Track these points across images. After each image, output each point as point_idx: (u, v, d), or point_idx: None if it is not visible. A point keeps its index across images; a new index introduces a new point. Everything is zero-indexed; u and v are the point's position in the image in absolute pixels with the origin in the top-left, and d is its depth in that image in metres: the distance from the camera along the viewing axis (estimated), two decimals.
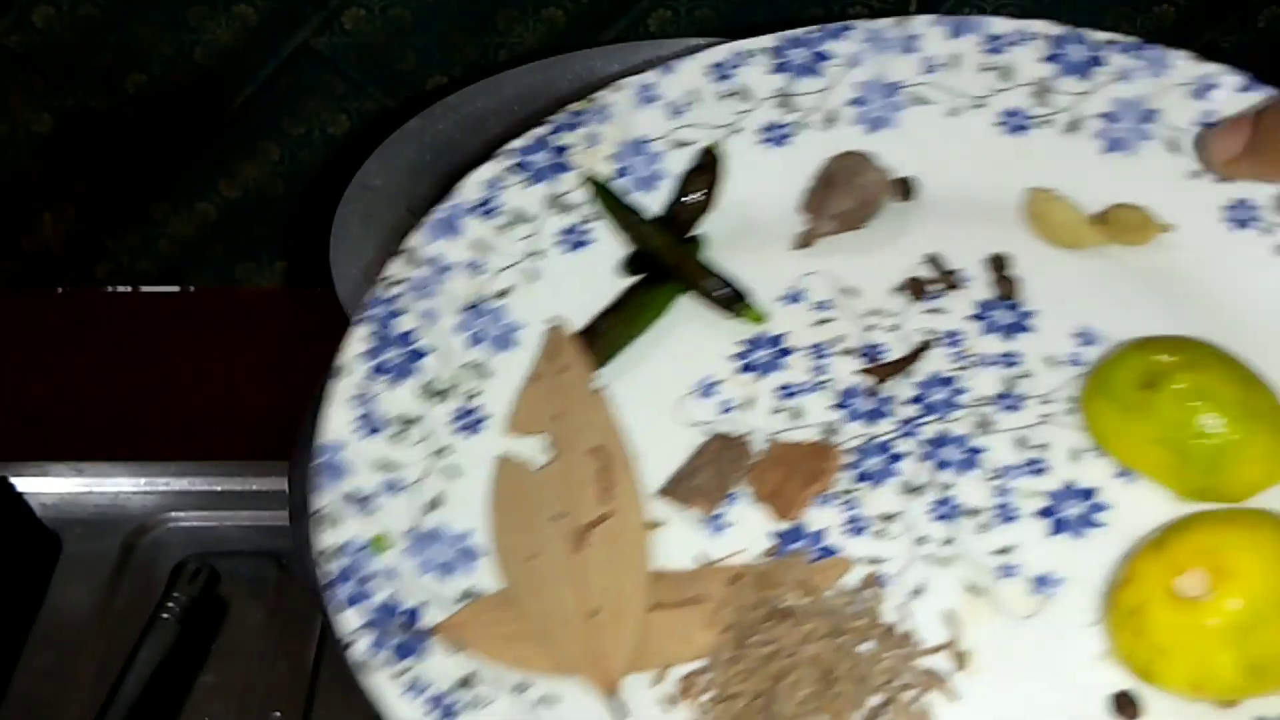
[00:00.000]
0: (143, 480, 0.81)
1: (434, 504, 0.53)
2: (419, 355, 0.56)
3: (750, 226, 0.61)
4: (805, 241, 0.60)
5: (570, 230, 0.61)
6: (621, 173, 0.62)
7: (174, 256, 0.94)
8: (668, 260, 0.59)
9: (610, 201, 0.60)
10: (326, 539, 0.50)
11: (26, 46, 0.82)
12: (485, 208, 0.60)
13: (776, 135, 0.63)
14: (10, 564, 0.78)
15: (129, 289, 0.96)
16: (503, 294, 0.59)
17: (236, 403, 0.89)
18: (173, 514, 0.80)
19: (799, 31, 0.64)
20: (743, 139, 0.63)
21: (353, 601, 0.49)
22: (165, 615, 0.73)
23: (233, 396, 0.90)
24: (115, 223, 0.93)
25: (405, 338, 0.56)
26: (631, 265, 0.60)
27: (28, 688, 0.74)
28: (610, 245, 0.61)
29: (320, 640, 0.77)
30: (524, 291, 0.59)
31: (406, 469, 0.53)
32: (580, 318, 0.59)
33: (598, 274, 0.60)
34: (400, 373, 0.56)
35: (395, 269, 0.58)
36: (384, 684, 0.47)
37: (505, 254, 0.60)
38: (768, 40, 0.64)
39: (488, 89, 0.73)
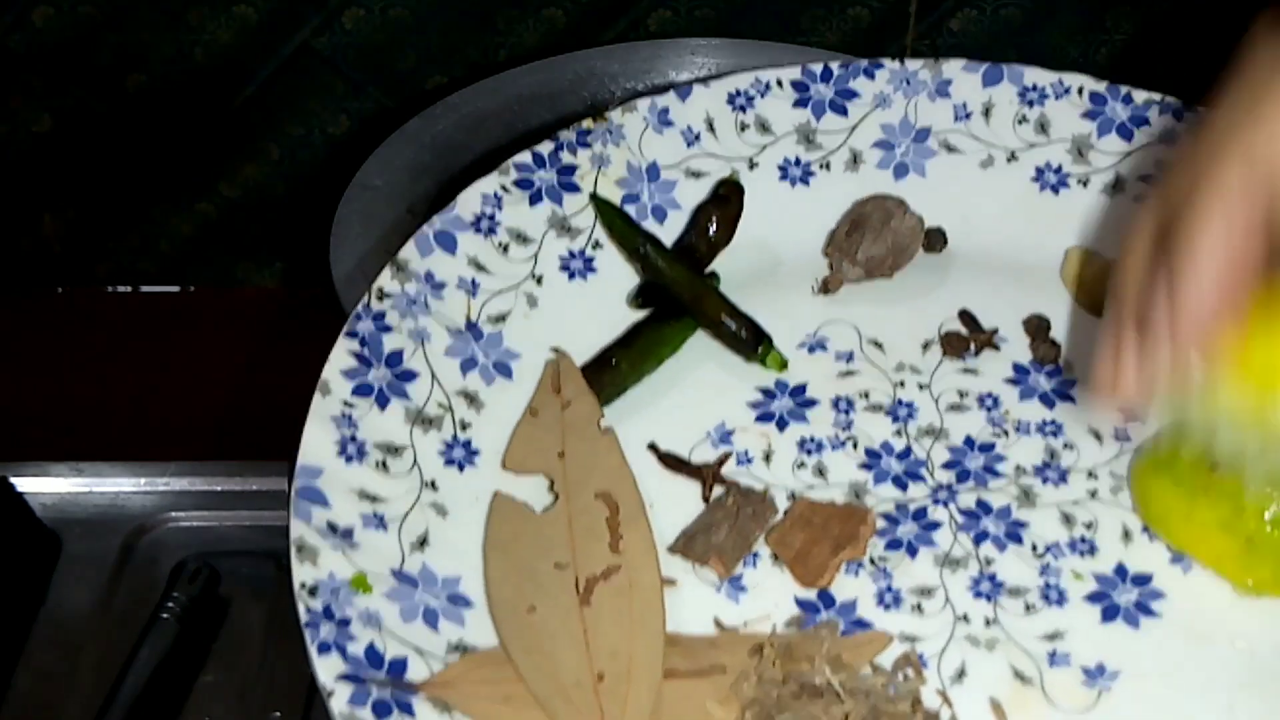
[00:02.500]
0: (143, 480, 0.80)
1: (421, 543, 0.47)
2: (407, 377, 0.51)
3: (769, 267, 0.57)
4: (829, 287, 0.56)
5: (575, 255, 0.56)
6: (630, 199, 0.57)
7: (174, 256, 0.94)
8: (684, 295, 0.54)
9: (621, 227, 0.56)
10: (305, 573, 0.44)
11: (26, 46, 0.82)
12: (484, 224, 0.55)
13: (798, 173, 0.59)
14: (10, 564, 0.77)
15: (129, 289, 0.96)
16: (499, 319, 0.54)
17: (236, 403, 0.89)
18: (173, 514, 0.80)
19: (823, 65, 0.60)
20: (762, 174, 0.59)
21: (332, 646, 0.43)
22: (165, 615, 0.72)
23: (233, 396, 0.90)
24: (115, 223, 0.93)
25: (393, 358, 0.51)
26: (642, 297, 0.55)
27: (28, 688, 0.72)
28: (617, 275, 0.56)
29: None
30: (522, 318, 0.54)
31: (391, 502, 0.48)
32: (581, 351, 0.54)
33: (603, 305, 0.55)
34: (386, 395, 0.50)
35: (385, 281, 0.52)
36: None
37: (503, 276, 0.55)
38: (790, 72, 0.60)
39: (488, 89, 0.71)
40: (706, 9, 0.81)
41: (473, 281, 0.54)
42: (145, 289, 0.96)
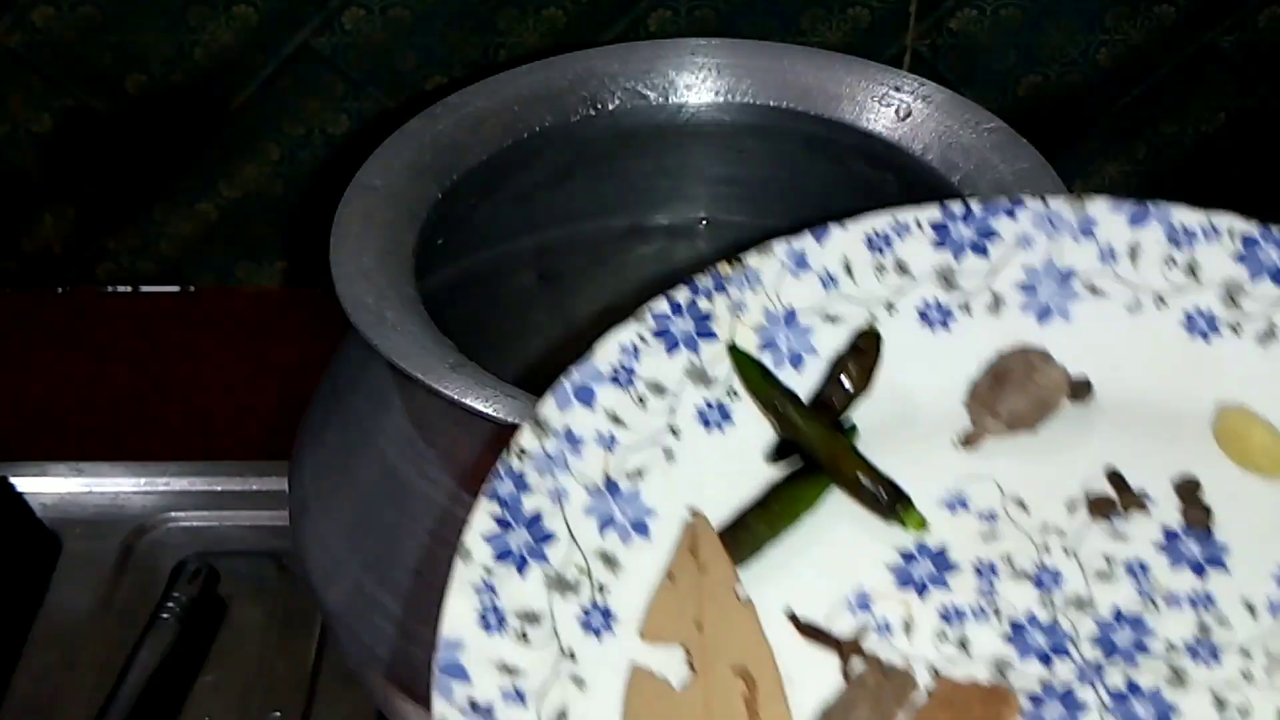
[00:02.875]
0: (143, 480, 0.81)
1: (560, 718, 0.47)
2: (546, 539, 0.51)
3: (908, 416, 0.56)
4: (970, 440, 0.55)
5: (711, 405, 0.56)
6: (767, 346, 0.57)
7: (174, 256, 0.97)
8: (820, 453, 0.54)
9: (758, 382, 0.55)
10: None
11: (26, 46, 0.85)
12: (621, 375, 0.55)
13: (938, 316, 0.58)
14: (10, 564, 0.78)
15: (129, 289, 0.98)
16: (637, 474, 0.54)
17: (236, 403, 0.90)
18: (173, 514, 0.81)
19: (964, 205, 0.59)
20: (900, 318, 0.58)
21: None
22: (165, 615, 0.73)
23: (233, 396, 0.91)
24: (115, 223, 0.95)
25: (533, 520, 0.51)
26: (778, 454, 0.55)
27: (28, 688, 0.73)
28: (752, 426, 0.56)
29: (320, 640, 0.77)
30: (659, 473, 0.54)
31: (530, 675, 0.48)
32: (719, 505, 0.53)
33: (740, 456, 0.55)
34: (525, 559, 0.50)
35: (525, 440, 0.53)
36: None
37: (640, 429, 0.55)
38: (930, 213, 0.59)
39: (488, 89, 0.70)
40: (706, 9, 0.81)
41: (610, 436, 0.54)
42: (145, 289, 0.98)
